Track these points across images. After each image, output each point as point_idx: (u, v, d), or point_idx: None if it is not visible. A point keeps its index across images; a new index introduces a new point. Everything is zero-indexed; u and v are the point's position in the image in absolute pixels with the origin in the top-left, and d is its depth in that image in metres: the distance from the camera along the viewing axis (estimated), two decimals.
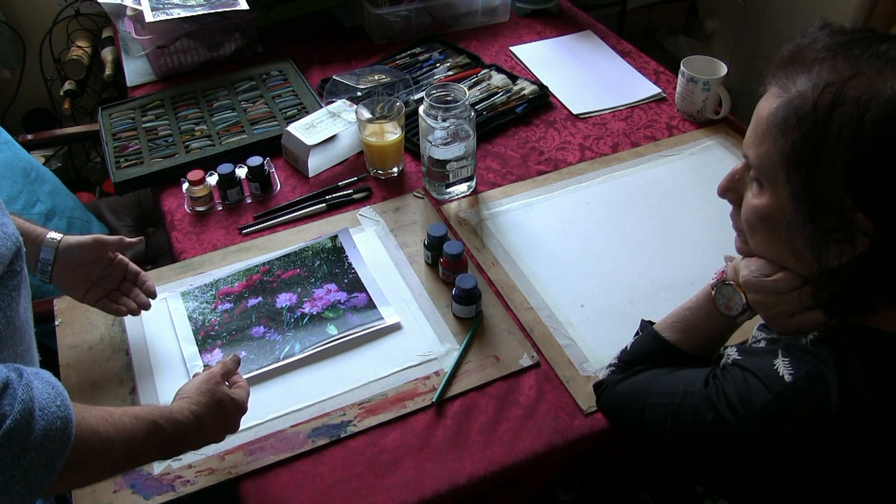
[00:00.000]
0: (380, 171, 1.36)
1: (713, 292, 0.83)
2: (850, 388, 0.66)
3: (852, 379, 0.66)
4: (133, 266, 1.05)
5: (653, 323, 0.91)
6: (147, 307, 1.04)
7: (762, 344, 0.81)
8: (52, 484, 0.64)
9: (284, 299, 1.12)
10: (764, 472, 0.71)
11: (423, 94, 1.36)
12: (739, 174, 0.77)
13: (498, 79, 1.55)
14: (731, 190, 0.79)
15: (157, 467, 0.91)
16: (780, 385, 0.69)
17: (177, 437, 0.77)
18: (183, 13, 1.52)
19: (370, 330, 1.07)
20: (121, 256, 1.03)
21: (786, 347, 0.72)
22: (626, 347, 0.91)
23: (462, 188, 1.31)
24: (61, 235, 0.97)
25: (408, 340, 1.06)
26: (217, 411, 0.82)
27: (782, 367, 0.70)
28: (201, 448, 0.84)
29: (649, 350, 0.88)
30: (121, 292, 1.04)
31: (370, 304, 1.10)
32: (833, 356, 0.68)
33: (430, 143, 1.23)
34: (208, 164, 1.33)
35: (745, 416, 0.70)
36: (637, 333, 0.93)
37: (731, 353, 0.78)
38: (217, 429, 0.83)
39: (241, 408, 0.86)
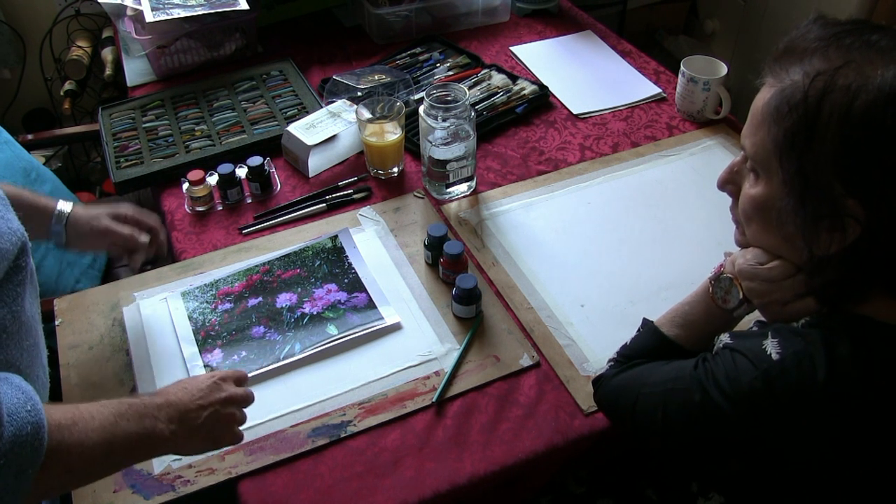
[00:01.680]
0: (380, 171, 1.36)
1: (711, 286, 0.84)
2: (838, 370, 0.66)
3: (841, 362, 0.67)
4: (148, 224, 1.10)
5: (653, 321, 0.92)
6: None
7: (754, 329, 0.82)
8: (32, 491, 0.62)
9: (284, 299, 1.12)
10: (752, 453, 0.72)
11: (423, 94, 1.36)
12: (738, 166, 0.78)
13: (498, 79, 1.55)
14: (730, 182, 0.80)
15: (157, 467, 0.91)
16: (767, 363, 0.69)
17: (148, 414, 0.74)
18: (183, 13, 1.52)
19: (370, 330, 1.07)
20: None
21: (776, 329, 0.73)
22: (626, 343, 0.92)
23: (462, 188, 1.31)
24: (70, 209, 1.01)
25: (408, 340, 1.06)
26: (192, 390, 0.79)
27: (770, 346, 0.70)
28: (185, 449, 0.80)
29: (649, 345, 0.89)
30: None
31: (370, 304, 1.10)
32: (822, 338, 0.68)
33: (431, 143, 1.23)
34: (208, 164, 1.33)
35: (731, 393, 0.71)
36: (638, 330, 0.93)
37: (724, 338, 0.79)
38: (199, 409, 0.79)
39: (229, 397, 0.82)
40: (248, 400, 0.86)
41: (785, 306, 0.75)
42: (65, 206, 1.02)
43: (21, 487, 0.61)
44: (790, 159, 0.67)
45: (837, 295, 0.70)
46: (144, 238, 1.07)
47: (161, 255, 1.12)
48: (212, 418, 0.80)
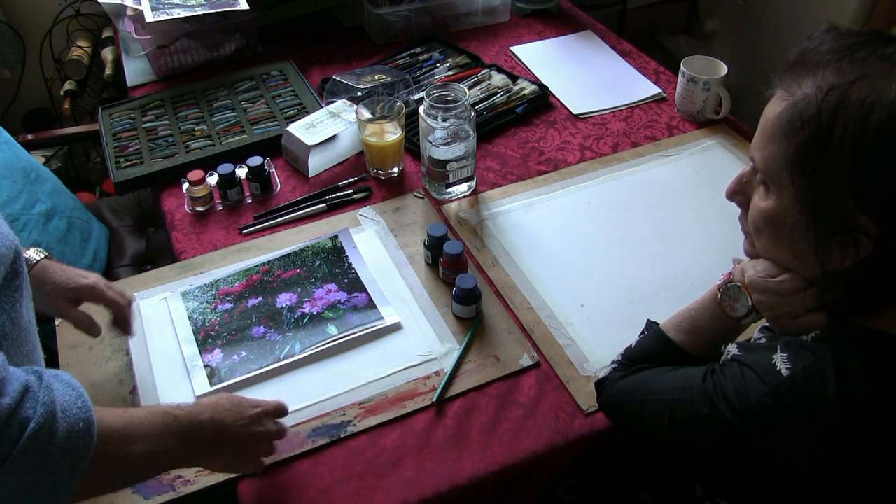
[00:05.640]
0: (380, 171, 1.36)
1: (719, 293, 0.83)
2: (849, 385, 0.66)
3: (851, 377, 0.66)
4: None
5: (658, 323, 0.92)
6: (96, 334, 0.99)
7: (763, 341, 0.81)
8: (77, 488, 0.64)
9: (284, 299, 1.11)
10: (760, 467, 0.71)
11: (423, 94, 1.36)
12: (747, 177, 0.77)
13: (498, 79, 1.55)
14: (739, 193, 0.79)
15: None
16: (777, 379, 0.69)
17: (192, 430, 0.76)
18: (183, 13, 1.52)
19: (370, 330, 1.07)
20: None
21: (785, 343, 0.72)
22: (631, 346, 0.92)
23: (462, 188, 1.31)
24: (40, 258, 0.94)
25: (408, 340, 1.06)
26: (236, 414, 0.82)
27: (780, 361, 0.70)
28: (223, 464, 0.83)
29: (653, 349, 0.88)
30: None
31: (370, 304, 1.10)
32: (832, 353, 0.68)
33: (431, 143, 1.23)
34: (208, 164, 1.33)
35: (740, 409, 0.70)
36: (642, 333, 0.93)
37: (732, 350, 0.79)
38: (237, 436, 0.81)
39: (265, 433, 0.85)
40: (281, 435, 0.88)
41: (795, 319, 0.74)
42: (34, 254, 0.94)
43: (74, 482, 0.63)
44: (802, 175, 0.66)
45: (849, 309, 0.69)
46: (97, 329, 0.98)
47: (128, 334, 1.01)
48: (242, 447, 0.83)
